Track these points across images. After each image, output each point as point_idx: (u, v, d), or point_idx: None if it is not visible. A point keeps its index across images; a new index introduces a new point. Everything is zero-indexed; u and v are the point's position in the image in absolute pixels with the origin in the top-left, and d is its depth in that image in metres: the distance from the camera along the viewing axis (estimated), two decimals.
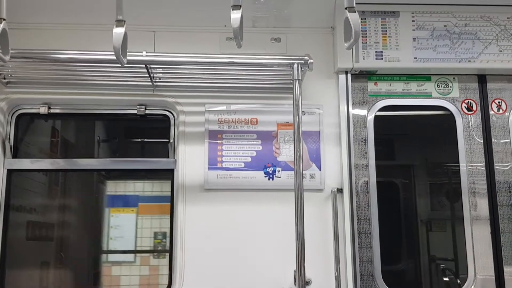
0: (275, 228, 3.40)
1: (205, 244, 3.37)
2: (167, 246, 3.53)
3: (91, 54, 3.20)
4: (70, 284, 3.79)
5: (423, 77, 3.65)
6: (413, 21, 3.59)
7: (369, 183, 3.48)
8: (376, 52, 3.55)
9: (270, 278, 3.34)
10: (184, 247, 3.36)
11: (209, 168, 3.46)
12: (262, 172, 3.47)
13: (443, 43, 3.56)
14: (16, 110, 3.61)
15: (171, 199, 3.54)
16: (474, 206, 3.48)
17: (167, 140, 3.63)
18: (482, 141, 3.57)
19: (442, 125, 3.69)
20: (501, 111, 3.62)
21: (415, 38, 3.57)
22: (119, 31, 2.47)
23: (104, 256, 4.07)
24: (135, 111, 3.63)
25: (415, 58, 3.54)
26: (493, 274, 3.41)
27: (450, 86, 3.65)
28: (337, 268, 3.32)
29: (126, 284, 4.04)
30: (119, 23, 2.49)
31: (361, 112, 3.59)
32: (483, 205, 3.49)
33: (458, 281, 3.51)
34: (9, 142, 3.54)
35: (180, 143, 3.51)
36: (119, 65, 2.60)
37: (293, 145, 3.21)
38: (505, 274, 3.40)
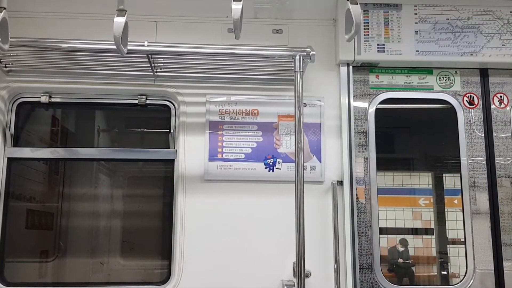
0: (275, 220, 3.40)
1: (204, 235, 3.38)
2: None
3: (92, 43, 3.20)
4: None
5: (425, 70, 3.64)
6: (415, 14, 3.58)
7: (370, 176, 3.48)
8: (378, 44, 3.54)
9: (269, 270, 3.35)
10: (183, 238, 3.37)
11: (209, 159, 3.46)
12: (263, 163, 3.47)
13: (445, 37, 3.56)
14: (17, 99, 3.61)
15: (171, 189, 3.55)
16: (474, 200, 3.48)
17: (168, 130, 3.62)
18: (483, 135, 3.57)
19: (444, 118, 3.68)
20: (502, 105, 3.62)
21: (417, 31, 3.56)
22: (119, 20, 2.48)
23: None
24: (136, 101, 3.62)
25: (417, 51, 3.54)
26: (493, 268, 3.41)
27: (452, 80, 3.64)
28: (337, 260, 3.33)
29: None
30: (120, 12, 2.50)
31: (362, 104, 3.58)
32: (483, 199, 3.49)
33: (457, 275, 3.52)
34: (9, 130, 3.54)
35: (181, 134, 3.51)
36: (120, 54, 2.61)
37: (293, 137, 3.22)
38: (504, 268, 3.40)
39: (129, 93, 3.62)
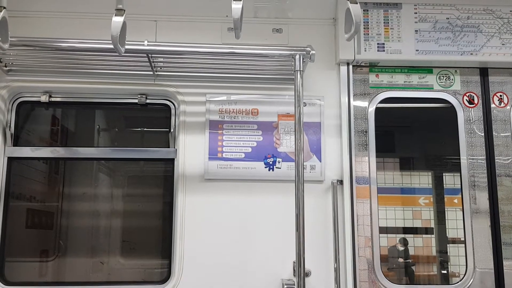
0: (275, 219, 3.40)
1: (204, 234, 3.38)
2: None
3: (92, 43, 3.19)
4: None
5: (425, 69, 3.64)
6: (415, 13, 3.58)
7: (369, 175, 3.48)
8: (378, 44, 3.54)
9: (269, 269, 3.35)
10: (183, 237, 3.37)
11: (209, 158, 3.46)
12: (263, 162, 3.47)
13: (445, 36, 3.55)
14: (17, 98, 3.61)
15: (171, 189, 3.55)
16: (474, 199, 3.48)
17: (168, 129, 3.62)
18: (483, 134, 3.57)
19: (443, 118, 3.68)
20: (502, 105, 3.62)
21: (417, 31, 3.56)
22: (117, 19, 2.48)
23: None
24: (136, 101, 3.62)
25: (417, 50, 3.54)
26: (493, 267, 3.41)
27: (452, 79, 3.64)
28: (337, 260, 3.33)
29: None
30: (119, 11, 2.50)
31: (362, 104, 3.58)
32: (483, 198, 3.49)
33: (457, 274, 3.53)
34: (9, 130, 3.54)
35: (181, 133, 3.51)
36: (118, 54, 2.61)
37: (293, 136, 3.21)
38: (504, 267, 3.40)
39: (129, 92, 3.62)
